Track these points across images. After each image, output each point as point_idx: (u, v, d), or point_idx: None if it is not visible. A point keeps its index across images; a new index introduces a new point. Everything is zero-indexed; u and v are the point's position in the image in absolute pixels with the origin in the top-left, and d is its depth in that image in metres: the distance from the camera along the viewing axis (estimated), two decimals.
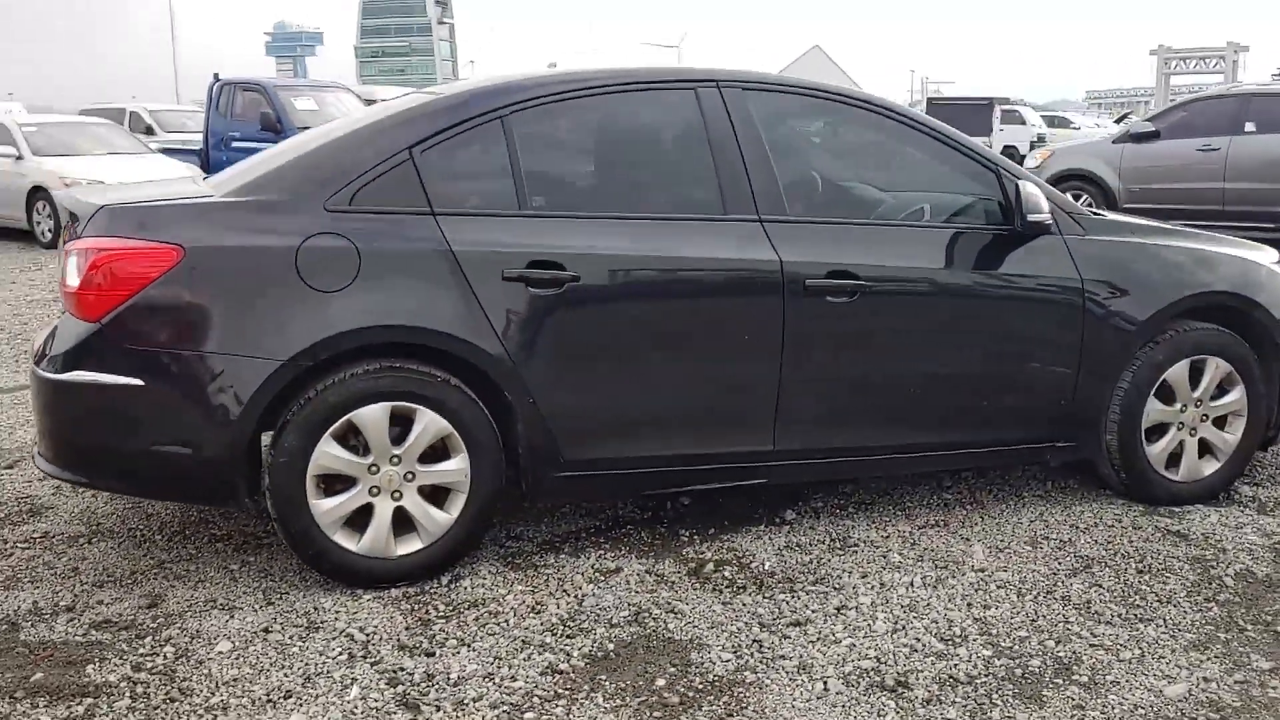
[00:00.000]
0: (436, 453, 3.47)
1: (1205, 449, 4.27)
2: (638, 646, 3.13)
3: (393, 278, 3.37)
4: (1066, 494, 4.37)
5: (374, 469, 3.39)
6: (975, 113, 31.97)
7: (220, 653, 3.09)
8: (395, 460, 3.41)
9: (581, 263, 3.50)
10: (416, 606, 3.36)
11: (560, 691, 2.90)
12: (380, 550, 3.43)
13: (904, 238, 3.90)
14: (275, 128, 14.67)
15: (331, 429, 3.32)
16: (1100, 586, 3.52)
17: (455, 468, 3.46)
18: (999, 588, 3.51)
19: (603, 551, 3.78)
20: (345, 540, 3.41)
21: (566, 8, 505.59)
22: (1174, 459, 4.22)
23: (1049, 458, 4.19)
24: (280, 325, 3.29)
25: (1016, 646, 3.14)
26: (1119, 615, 3.32)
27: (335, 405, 3.31)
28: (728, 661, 3.05)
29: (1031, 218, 3.82)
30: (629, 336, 3.61)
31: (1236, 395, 4.22)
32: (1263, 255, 4.49)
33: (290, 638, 3.17)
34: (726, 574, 3.61)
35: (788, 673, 2.99)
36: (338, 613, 3.31)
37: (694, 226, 3.68)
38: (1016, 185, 3.86)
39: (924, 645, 3.13)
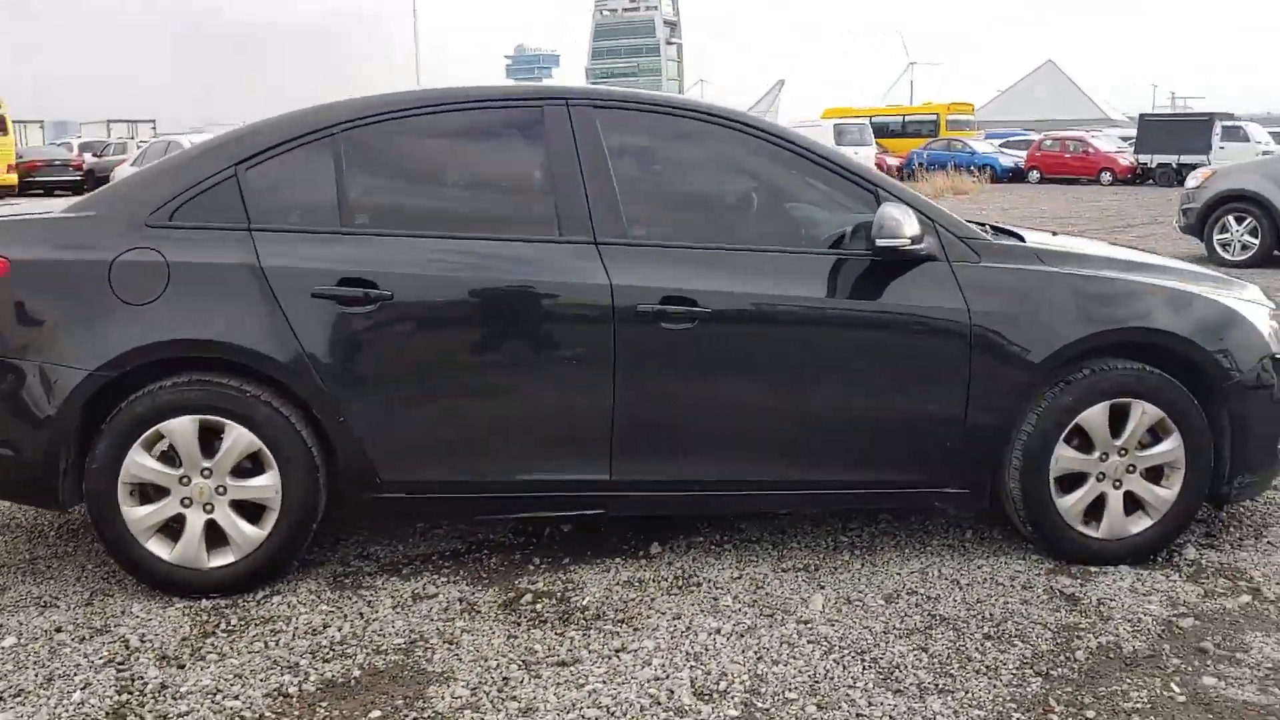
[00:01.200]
0: (255, 467, 3.51)
1: (1136, 504, 3.80)
2: (385, 676, 3.06)
3: (201, 293, 3.43)
4: (979, 545, 3.98)
5: (185, 480, 3.46)
6: (1193, 129, 29.95)
7: (1, 648, 3.22)
8: (206, 473, 3.47)
9: (395, 281, 3.47)
10: (210, 619, 3.40)
11: (269, 715, 2.86)
12: (192, 561, 3.50)
13: (760, 263, 3.65)
14: None
15: (141, 439, 3.42)
16: (925, 651, 3.18)
17: (266, 484, 3.49)
18: (809, 643, 3.23)
19: (435, 576, 3.72)
20: (159, 549, 3.50)
21: (795, 26, 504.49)
22: (1097, 513, 3.78)
23: (938, 504, 3.83)
24: (92, 336, 3.42)
25: (773, 709, 2.88)
26: (916, 685, 2.99)
27: (142, 416, 3.40)
28: (458, 698, 2.93)
29: (881, 242, 3.51)
30: (447, 358, 3.54)
31: (1171, 445, 3.74)
32: (1232, 292, 3.97)
33: (73, 639, 3.27)
34: (538, 607, 3.47)
35: (508, 714, 2.85)
36: (136, 619, 3.40)
37: (523, 248, 3.57)
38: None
39: (670, 699, 2.91)
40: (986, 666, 3.09)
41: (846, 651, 3.18)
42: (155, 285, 3.42)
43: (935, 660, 3.13)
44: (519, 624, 3.36)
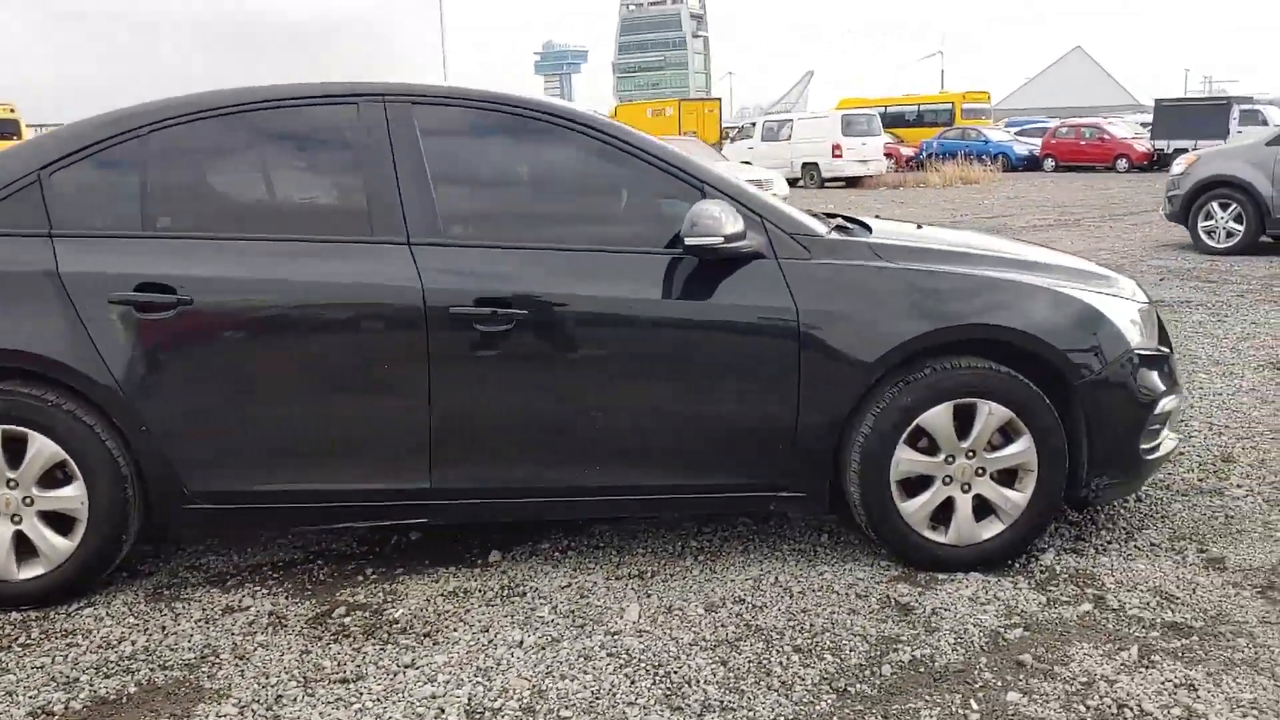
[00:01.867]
0: (66, 478, 3.44)
1: (988, 508, 3.65)
2: (160, 693, 2.97)
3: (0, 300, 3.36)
4: (831, 551, 3.85)
5: None
6: (1210, 114, 29.41)
7: None
8: (12, 484, 3.39)
9: (195, 286, 3.38)
10: (11, 631, 3.33)
11: None
12: (1, 572, 3.43)
13: (583, 263, 3.53)
14: None
15: None
16: (724, 665, 3.05)
17: (72, 494, 3.41)
18: (608, 656, 3.11)
19: (258, 588, 3.63)
20: None
21: (820, 20, 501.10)
22: (947, 517, 3.63)
23: (774, 508, 3.69)
24: None
25: None
26: (700, 702, 2.86)
27: None
28: (224, 716, 2.84)
29: (690, 241, 3.37)
30: (252, 364, 3.45)
31: (1022, 446, 3.58)
32: (1097, 287, 3.79)
33: None
34: (348, 620, 3.38)
35: None
36: None
37: (332, 249, 3.47)
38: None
39: (438, 718, 2.81)
40: (782, 682, 2.96)
41: (642, 665, 3.06)
42: None
43: (731, 675, 3.00)
44: (320, 638, 3.27)
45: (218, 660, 3.14)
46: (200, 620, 3.39)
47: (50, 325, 3.35)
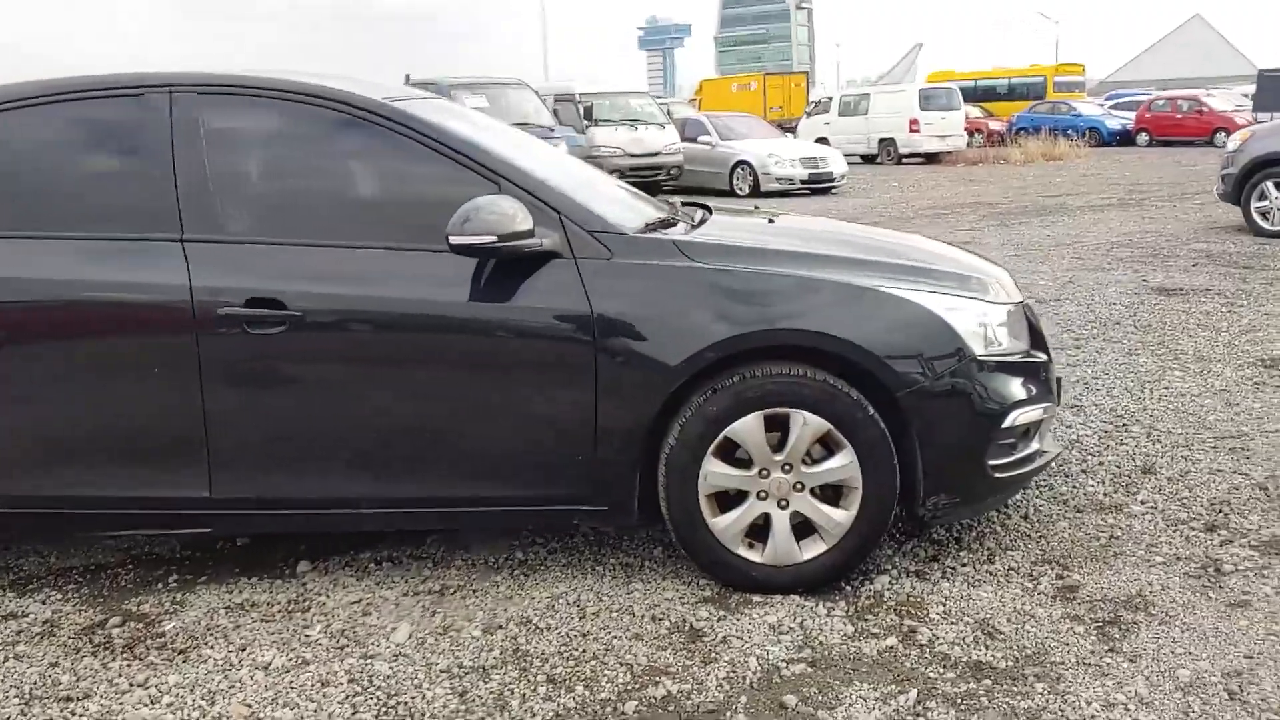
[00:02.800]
0: None
1: (811, 527, 3.36)
2: None
3: None
4: (654, 567, 3.61)
5: None
6: None
7: None
8: None
9: None
10: None
11: None
12: None
13: (367, 262, 3.34)
14: None
15: None
16: (461, 696, 2.85)
17: None
18: (349, 683, 2.94)
19: (54, 593, 3.55)
20: None
21: None
22: (765, 535, 3.37)
23: (578, 522, 3.47)
24: None
25: None
26: None
27: None
28: None
29: (455, 239, 3.15)
30: (20, 366, 3.34)
31: (842, 460, 3.29)
32: (938, 288, 3.44)
33: None
34: (115, 632, 3.26)
35: None
36: None
37: (106, 246, 3.34)
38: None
39: None
40: (512, 718, 2.75)
41: (374, 694, 2.88)
42: None
43: (463, 707, 2.80)
44: (78, 650, 3.16)
45: None
46: None
47: None
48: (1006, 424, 3.38)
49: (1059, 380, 3.84)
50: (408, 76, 16.64)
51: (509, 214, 3.15)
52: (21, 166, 3.50)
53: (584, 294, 3.27)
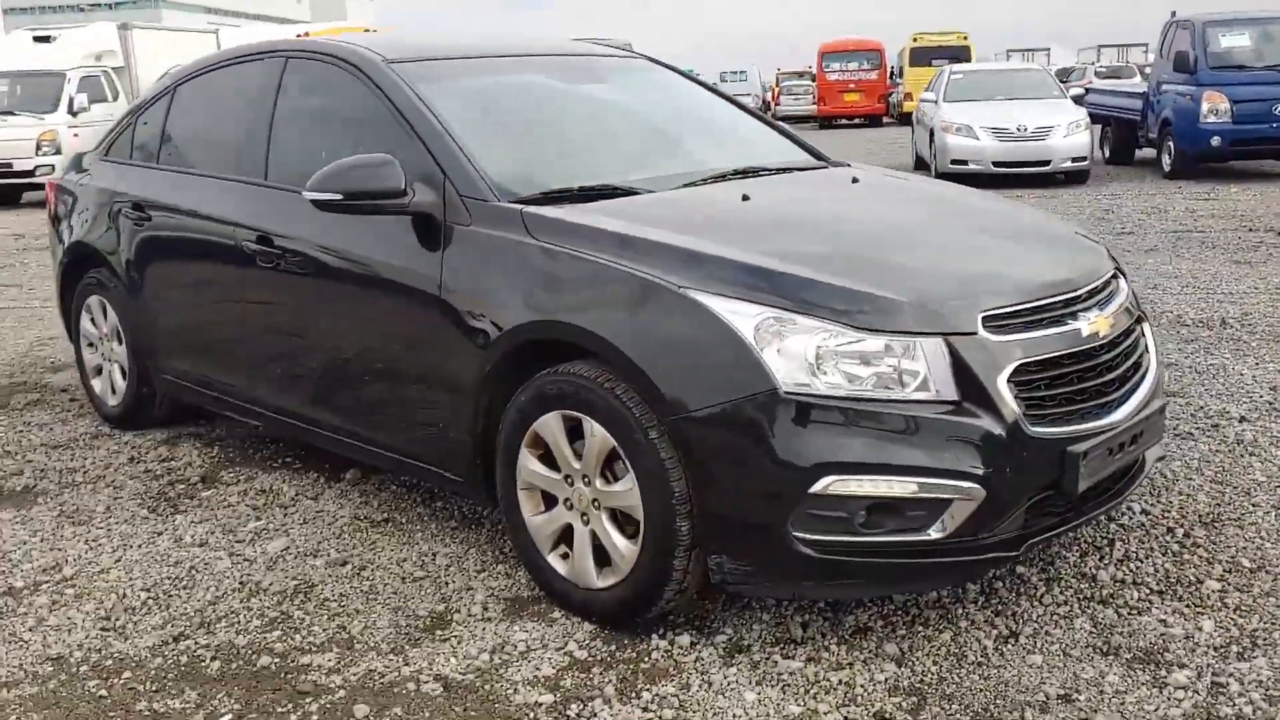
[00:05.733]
0: None
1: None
2: None
3: None
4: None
5: None
6: None
7: None
8: None
9: None
10: None
11: None
12: None
13: (282, 201, 3.73)
14: (1189, 68, 13.72)
15: None
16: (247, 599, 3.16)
17: None
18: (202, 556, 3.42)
19: None
20: None
21: None
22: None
23: (450, 490, 3.41)
24: None
25: None
26: None
27: None
28: None
29: (305, 193, 3.26)
30: None
31: (627, 485, 2.83)
32: (774, 294, 2.67)
33: None
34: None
35: None
36: None
37: None
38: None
39: None
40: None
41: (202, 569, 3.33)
42: None
43: (245, 609, 3.12)
44: None
45: None
46: None
47: None
48: (817, 489, 2.57)
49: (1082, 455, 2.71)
50: (1173, 13, 14.98)
51: (372, 172, 3.21)
52: None
53: (440, 258, 3.21)
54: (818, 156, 4.19)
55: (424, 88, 3.53)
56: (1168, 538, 3.38)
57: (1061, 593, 3.06)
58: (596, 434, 2.84)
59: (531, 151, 3.56)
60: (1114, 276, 3.24)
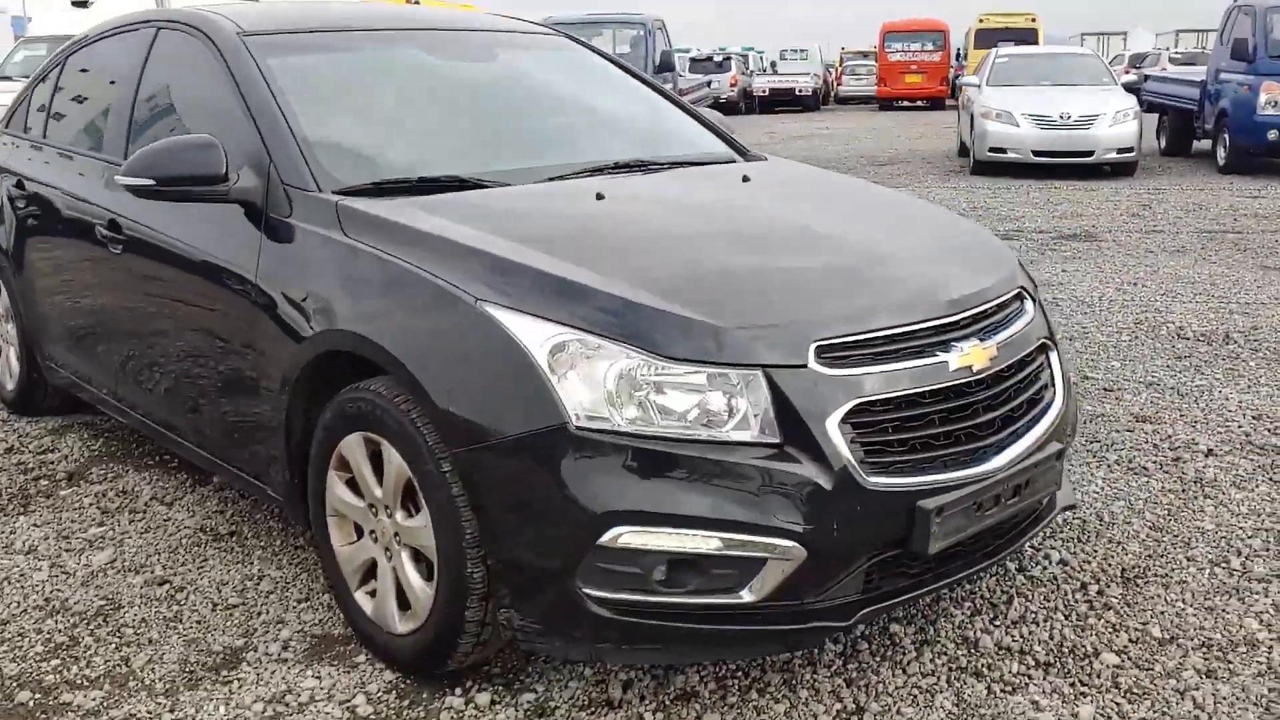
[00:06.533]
0: None
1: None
2: None
3: None
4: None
5: None
6: None
7: None
8: None
9: None
10: None
11: None
12: None
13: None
14: (1248, 56, 13.00)
15: None
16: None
17: None
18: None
19: None
20: None
21: None
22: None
23: (277, 508, 3.10)
24: None
25: None
26: None
27: None
28: None
29: (118, 177, 2.99)
30: None
31: (422, 522, 2.48)
32: (573, 310, 2.31)
33: None
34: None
35: None
36: None
37: None
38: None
39: None
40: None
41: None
42: None
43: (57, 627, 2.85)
44: None
45: None
46: None
47: None
48: (606, 540, 2.20)
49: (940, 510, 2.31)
50: None
51: (189, 155, 2.89)
52: None
53: (257, 251, 2.89)
54: (738, 149, 3.80)
55: (274, 62, 3.20)
56: (1077, 596, 2.96)
57: (933, 660, 2.67)
58: (394, 461, 2.51)
59: (380, 136, 3.21)
60: (1017, 298, 2.81)
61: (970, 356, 2.45)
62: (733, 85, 31.51)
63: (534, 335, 2.28)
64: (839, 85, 37.88)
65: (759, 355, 2.26)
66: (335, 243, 2.70)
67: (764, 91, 32.96)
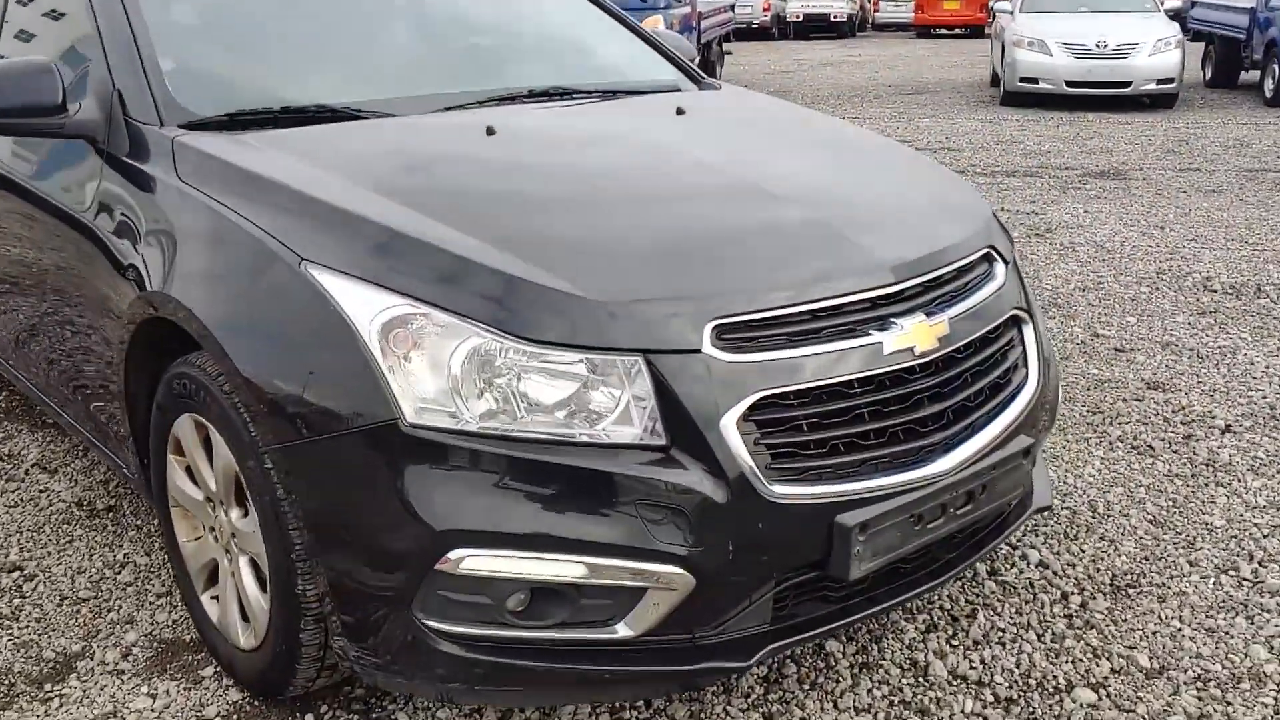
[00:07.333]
0: None
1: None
2: None
3: None
4: None
5: None
6: None
7: None
8: None
9: None
10: None
11: None
12: None
13: None
14: None
15: None
16: None
17: None
18: None
19: None
20: None
21: None
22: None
23: (125, 473, 2.71)
24: None
25: None
26: None
27: None
28: None
29: None
30: None
31: (250, 526, 2.08)
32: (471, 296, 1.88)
33: None
34: None
35: None
36: None
37: None
38: None
39: None
40: None
41: None
42: None
43: None
44: None
45: None
46: None
47: None
48: (447, 565, 1.79)
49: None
50: None
51: (17, 81, 2.44)
52: None
53: (95, 192, 2.47)
54: (692, 78, 3.32)
55: None
56: (1055, 610, 2.52)
57: (871, 690, 2.25)
58: (221, 452, 2.10)
59: (255, 61, 2.75)
60: (985, 259, 2.34)
61: (912, 336, 1.99)
62: (765, 10, 30.53)
63: (364, 307, 1.85)
64: (876, 11, 36.62)
65: (641, 337, 1.82)
66: (167, 186, 2.27)
67: (798, 17, 31.93)
